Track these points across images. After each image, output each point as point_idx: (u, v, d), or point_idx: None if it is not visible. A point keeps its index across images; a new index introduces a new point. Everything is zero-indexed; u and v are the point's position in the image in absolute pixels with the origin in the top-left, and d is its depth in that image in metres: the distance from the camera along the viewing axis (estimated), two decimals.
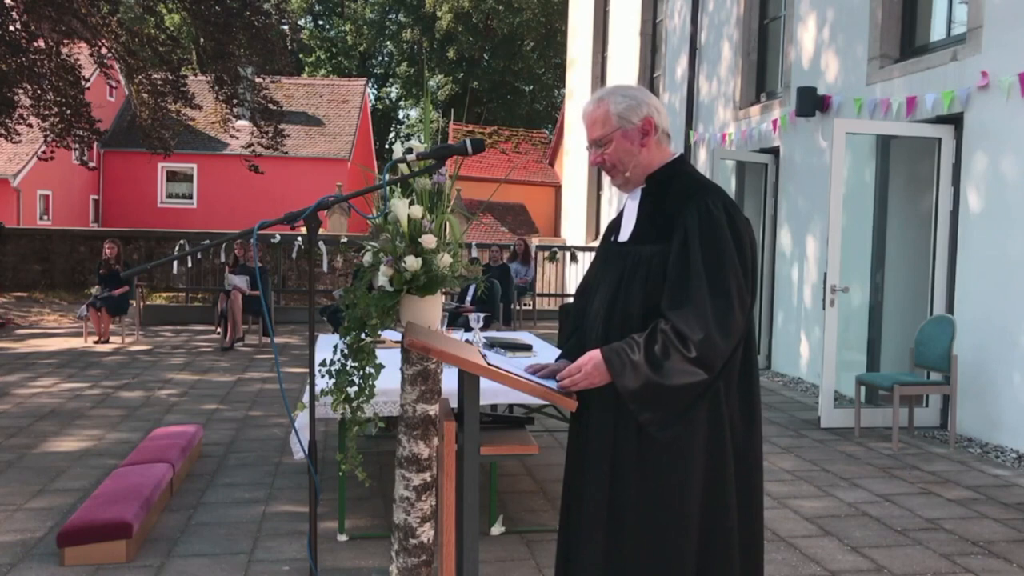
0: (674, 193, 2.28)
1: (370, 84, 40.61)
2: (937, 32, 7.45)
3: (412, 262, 2.98)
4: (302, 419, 3.53)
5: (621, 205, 2.52)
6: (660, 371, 2.08)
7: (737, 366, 2.21)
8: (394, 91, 45.16)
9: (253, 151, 15.23)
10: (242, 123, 16.70)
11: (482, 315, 4.95)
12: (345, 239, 14.61)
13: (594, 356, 2.16)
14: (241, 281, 10.82)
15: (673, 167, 2.35)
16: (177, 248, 15.21)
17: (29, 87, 13.25)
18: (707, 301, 2.09)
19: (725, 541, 2.19)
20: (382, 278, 3.04)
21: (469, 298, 9.11)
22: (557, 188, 25.20)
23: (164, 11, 15.84)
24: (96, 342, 10.68)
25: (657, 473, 2.15)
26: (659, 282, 2.18)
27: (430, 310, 3.08)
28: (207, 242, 13.01)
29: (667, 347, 2.08)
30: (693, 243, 2.14)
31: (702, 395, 2.14)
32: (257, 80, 15.19)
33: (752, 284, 2.20)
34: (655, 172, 2.34)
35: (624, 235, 2.37)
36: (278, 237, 14.63)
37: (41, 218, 24.78)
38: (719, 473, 2.18)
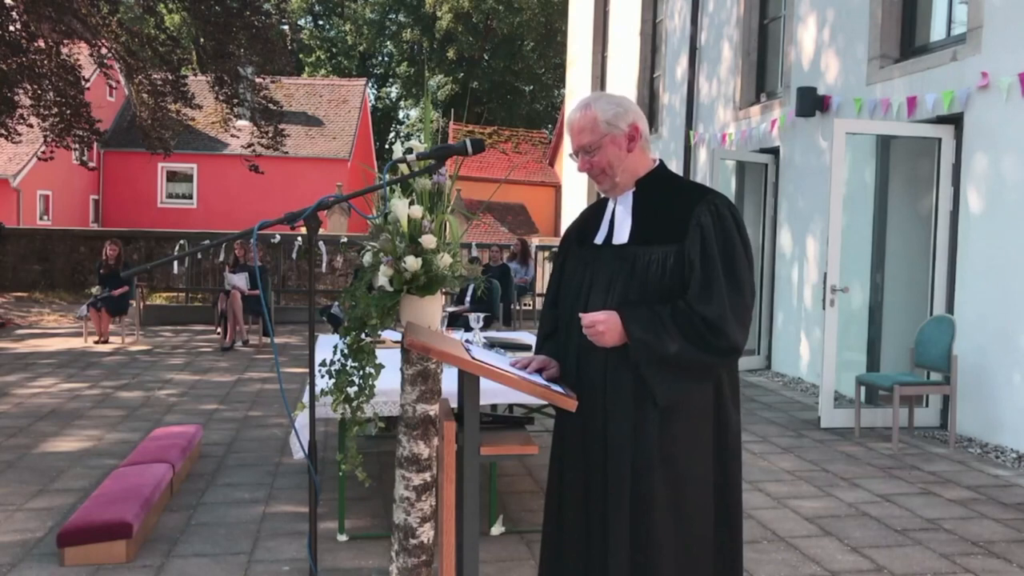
0: (676, 195, 2.40)
1: (370, 84, 40.60)
2: (937, 32, 7.45)
3: (412, 262, 2.98)
4: (302, 419, 3.52)
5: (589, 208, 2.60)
6: (689, 344, 2.21)
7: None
8: (394, 91, 45.17)
9: (253, 151, 15.23)
10: (242, 123, 16.70)
11: (482, 315, 4.95)
12: (345, 239, 14.61)
13: (611, 317, 2.24)
14: (240, 281, 10.82)
15: (660, 172, 2.47)
16: (177, 248, 15.20)
17: (29, 87, 13.25)
18: (729, 296, 2.23)
19: (734, 516, 2.38)
20: (382, 278, 3.04)
21: (468, 298, 9.11)
22: (557, 188, 25.21)
23: (164, 11, 15.83)
24: (96, 342, 10.68)
25: (678, 449, 2.28)
26: (676, 280, 2.29)
27: (430, 310, 3.08)
28: (207, 242, 13.00)
29: (695, 328, 2.21)
30: (710, 242, 2.27)
31: (709, 378, 2.30)
32: (257, 80, 15.18)
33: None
34: (644, 177, 2.45)
35: (620, 237, 2.40)
36: (278, 237, 14.62)
37: (41, 218, 24.78)
38: (724, 450, 2.35)
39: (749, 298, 2.28)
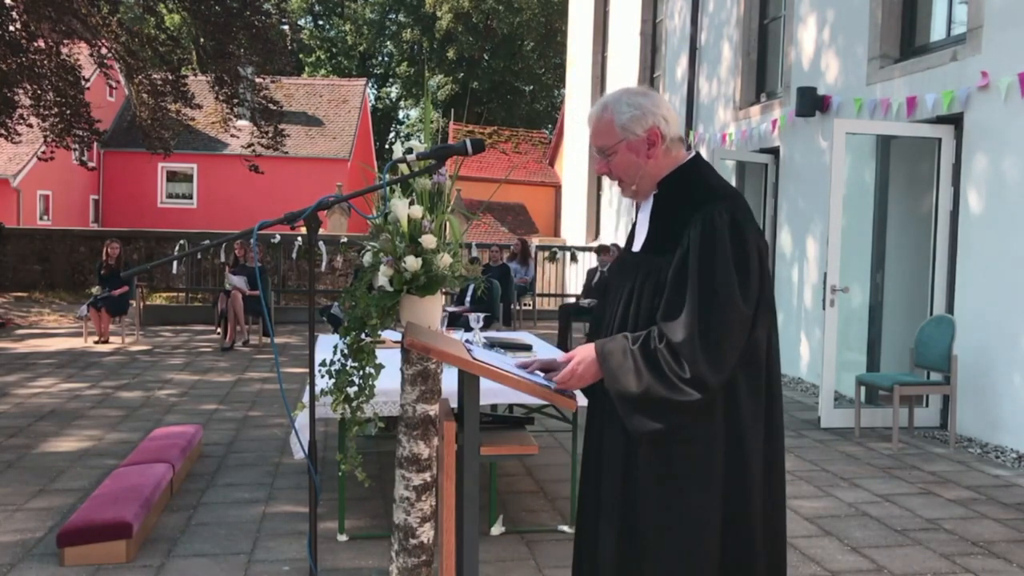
0: (688, 200, 2.19)
1: (370, 84, 40.60)
2: (937, 32, 7.45)
3: (412, 262, 2.98)
4: (302, 419, 3.52)
5: (623, 207, 2.51)
6: (655, 381, 2.04)
7: (762, 380, 2.15)
8: (394, 91, 45.18)
9: (253, 151, 15.23)
10: (242, 123, 16.70)
11: (482, 315, 4.95)
12: (345, 239, 14.61)
13: (587, 355, 2.14)
14: (240, 281, 10.82)
15: (684, 171, 2.25)
16: (177, 248, 15.20)
17: (29, 87, 13.24)
18: (700, 321, 2.02)
19: (746, 554, 2.15)
20: (382, 278, 3.04)
21: (468, 298, 9.11)
22: (557, 188, 25.22)
23: (164, 11, 15.84)
24: (96, 342, 10.67)
25: (677, 489, 2.11)
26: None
27: (430, 310, 3.08)
28: (207, 242, 13.00)
29: (659, 360, 2.04)
30: (692, 257, 2.07)
31: (697, 410, 2.07)
32: (257, 80, 15.18)
33: (765, 294, 2.12)
34: (666, 177, 2.25)
35: (638, 244, 2.31)
36: (278, 237, 14.63)
37: (41, 218, 24.77)
38: (739, 488, 2.13)
39: (735, 325, 2.03)
